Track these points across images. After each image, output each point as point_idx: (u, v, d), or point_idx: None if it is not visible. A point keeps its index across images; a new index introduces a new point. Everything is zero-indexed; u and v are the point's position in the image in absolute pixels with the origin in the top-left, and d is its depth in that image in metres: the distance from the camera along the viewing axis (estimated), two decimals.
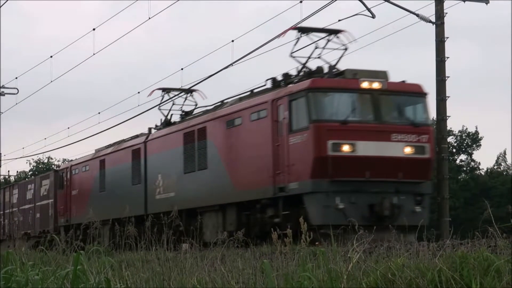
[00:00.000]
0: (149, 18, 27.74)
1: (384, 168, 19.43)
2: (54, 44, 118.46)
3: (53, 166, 77.80)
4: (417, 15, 24.35)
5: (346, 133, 19.30)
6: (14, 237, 45.71)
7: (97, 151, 33.05)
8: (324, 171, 19.03)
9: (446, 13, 24.56)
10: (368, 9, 20.72)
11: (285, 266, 8.35)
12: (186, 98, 28.66)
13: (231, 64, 25.25)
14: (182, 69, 32.25)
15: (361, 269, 7.57)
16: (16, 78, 41.83)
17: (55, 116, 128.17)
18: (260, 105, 21.19)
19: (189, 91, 28.62)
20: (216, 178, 22.98)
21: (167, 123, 28.18)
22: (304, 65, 21.30)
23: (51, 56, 36.07)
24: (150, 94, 28.94)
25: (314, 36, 21.70)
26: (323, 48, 21.58)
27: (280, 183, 20.04)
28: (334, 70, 20.74)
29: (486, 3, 25.67)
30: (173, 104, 28.72)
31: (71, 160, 36.12)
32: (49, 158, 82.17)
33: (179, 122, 27.17)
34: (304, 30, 21.60)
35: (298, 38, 21.55)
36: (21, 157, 73.43)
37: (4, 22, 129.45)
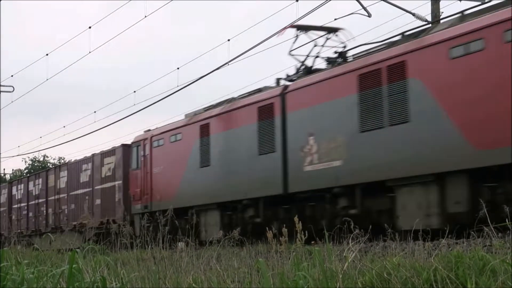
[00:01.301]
0: (145, 16, 27.82)
1: None
2: (50, 42, 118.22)
3: (48, 164, 77.55)
4: (413, 14, 24.34)
5: None
6: (38, 231, 38.86)
7: (188, 116, 25.99)
8: None
9: (442, 12, 24.69)
10: (364, 8, 20.70)
11: (280, 265, 8.35)
12: (327, 39, 21.89)
13: (227, 63, 25.21)
14: (178, 68, 32.60)
15: (356, 268, 7.57)
16: (12, 76, 41.81)
17: (51, 115, 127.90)
18: None
19: (333, 29, 21.76)
20: (430, 134, 15.85)
21: (308, 70, 21.30)
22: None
23: (47, 54, 35.99)
24: (281, 33, 21.98)
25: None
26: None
27: None
28: None
29: (483, 3, 25.75)
30: (315, 45, 21.85)
31: (149, 130, 28.53)
32: (44, 156, 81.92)
33: (332, 66, 20.02)
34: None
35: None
36: (17, 155, 73.33)
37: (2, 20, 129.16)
